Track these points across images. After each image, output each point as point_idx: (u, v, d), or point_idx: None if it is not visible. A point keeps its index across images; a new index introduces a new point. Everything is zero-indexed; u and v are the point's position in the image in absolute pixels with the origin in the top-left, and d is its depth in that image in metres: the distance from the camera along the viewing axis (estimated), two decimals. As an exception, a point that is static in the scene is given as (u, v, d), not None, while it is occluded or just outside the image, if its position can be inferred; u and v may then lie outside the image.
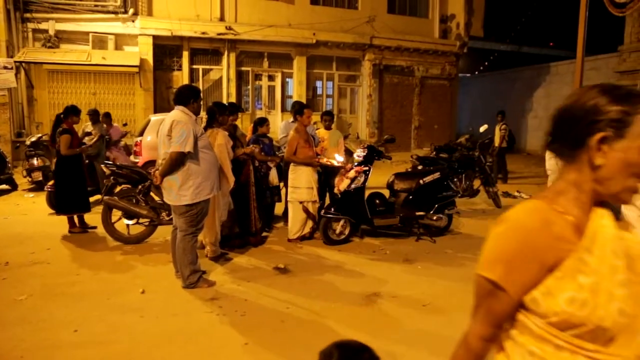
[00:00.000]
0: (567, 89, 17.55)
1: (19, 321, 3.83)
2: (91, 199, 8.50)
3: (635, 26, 13.64)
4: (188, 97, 4.51)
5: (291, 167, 6.25)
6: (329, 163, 6.46)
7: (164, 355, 3.35)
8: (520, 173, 13.81)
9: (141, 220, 6.08)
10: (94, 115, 8.90)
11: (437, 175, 6.70)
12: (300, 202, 6.18)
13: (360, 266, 5.36)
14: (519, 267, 1.11)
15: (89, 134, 8.81)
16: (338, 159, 6.53)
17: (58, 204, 6.59)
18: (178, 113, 4.44)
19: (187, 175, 4.38)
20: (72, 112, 6.62)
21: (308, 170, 6.17)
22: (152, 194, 6.17)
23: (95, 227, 6.71)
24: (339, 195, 6.25)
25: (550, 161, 5.30)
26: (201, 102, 4.70)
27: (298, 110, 6.36)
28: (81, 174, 6.66)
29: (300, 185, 6.15)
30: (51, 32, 13.37)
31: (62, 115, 6.61)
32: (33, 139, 10.13)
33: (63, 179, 6.49)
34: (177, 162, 4.34)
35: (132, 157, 10.07)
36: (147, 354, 3.37)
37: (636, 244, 1.13)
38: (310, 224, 6.28)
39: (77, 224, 6.67)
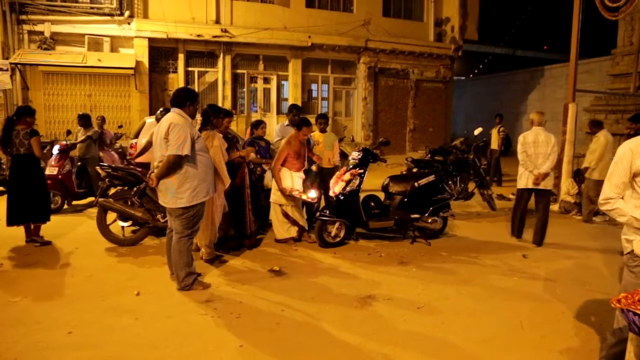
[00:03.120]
0: (561, 91, 17.67)
1: (13, 323, 3.82)
2: (84, 202, 8.53)
3: (628, 30, 13.72)
4: (185, 99, 4.51)
5: None
6: (300, 196, 6.22)
7: (159, 358, 3.35)
8: (515, 176, 13.84)
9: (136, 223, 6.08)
10: (83, 119, 8.78)
11: (432, 178, 6.73)
12: (280, 205, 6.20)
13: (355, 268, 5.38)
14: None
15: (69, 132, 8.76)
16: (311, 195, 6.33)
17: (12, 213, 5.90)
18: (175, 115, 4.43)
19: (184, 178, 4.38)
20: (25, 112, 6.01)
21: (290, 174, 6.18)
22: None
23: (49, 243, 6.12)
24: (334, 198, 6.27)
25: (522, 154, 6.27)
26: (197, 106, 4.69)
27: (298, 124, 6.30)
28: (43, 178, 6.19)
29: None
30: (47, 34, 13.34)
31: (14, 117, 5.99)
32: None
33: (22, 184, 5.91)
34: (175, 165, 4.34)
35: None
36: (142, 356, 3.37)
37: None
38: (295, 226, 6.28)
39: (32, 234, 6.08)
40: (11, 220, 5.94)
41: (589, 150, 8.14)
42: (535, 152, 6.37)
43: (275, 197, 6.22)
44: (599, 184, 7.37)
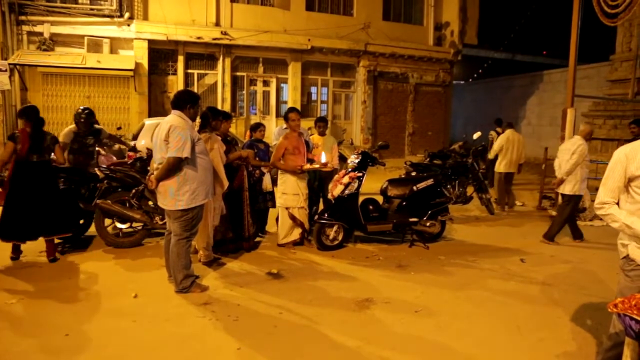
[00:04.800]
0: (560, 97, 17.72)
1: (9, 325, 3.81)
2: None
3: (626, 36, 13.78)
4: (185, 102, 4.51)
5: (279, 172, 6.28)
6: (312, 168, 6.30)
7: (156, 360, 3.35)
8: (514, 180, 13.90)
9: (134, 225, 6.07)
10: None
11: (430, 181, 6.74)
12: (287, 208, 6.21)
13: (353, 272, 5.38)
14: None
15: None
16: (322, 161, 6.43)
17: (19, 227, 5.21)
18: (175, 118, 4.43)
19: (184, 180, 4.38)
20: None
21: (295, 176, 6.18)
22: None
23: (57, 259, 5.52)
24: (333, 201, 6.27)
25: (555, 161, 6.80)
26: (198, 109, 4.69)
27: (285, 116, 6.38)
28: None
29: (287, 191, 6.17)
30: (46, 35, 13.33)
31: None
32: None
33: (44, 193, 5.35)
34: (175, 167, 4.34)
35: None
36: (140, 358, 3.37)
37: None
38: (299, 229, 6.28)
39: (50, 252, 5.48)
40: (18, 235, 5.29)
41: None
42: (561, 159, 6.90)
43: (281, 200, 6.22)
44: (500, 175, 9.32)
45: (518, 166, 9.59)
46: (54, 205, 5.41)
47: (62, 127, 13.07)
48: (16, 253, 5.52)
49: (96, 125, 6.91)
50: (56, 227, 5.44)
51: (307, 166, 6.22)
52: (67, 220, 5.61)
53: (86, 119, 6.61)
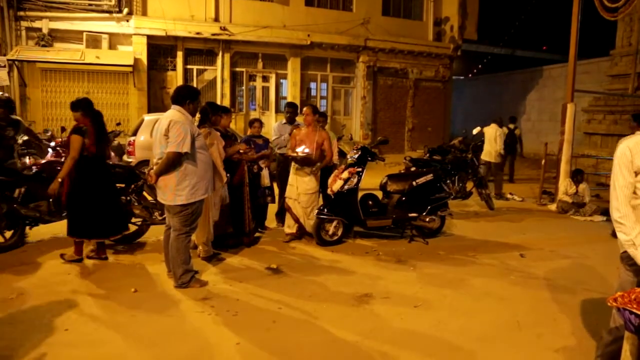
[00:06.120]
0: (560, 92, 17.67)
1: (9, 320, 3.81)
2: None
3: (626, 30, 13.74)
4: (184, 97, 4.51)
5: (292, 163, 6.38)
6: (291, 155, 6.20)
7: (156, 355, 3.34)
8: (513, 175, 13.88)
9: (134, 220, 6.06)
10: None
11: (430, 177, 6.73)
12: (284, 198, 6.37)
13: (352, 267, 5.37)
14: None
15: (63, 129, 8.52)
16: (298, 150, 6.27)
17: (99, 225, 5.14)
18: (175, 113, 4.43)
19: (184, 175, 4.38)
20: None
21: (294, 167, 6.28)
22: (144, 193, 6.17)
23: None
24: (332, 196, 6.26)
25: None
26: (198, 105, 4.68)
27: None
28: None
29: (290, 182, 6.31)
30: (45, 31, 13.29)
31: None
32: (25, 138, 10.03)
33: (110, 190, 5.34)
34: (174, 162, 4.33)
35: (125, 157, 10.05)
36: (139, 353, 3.36)
37: None
38: (296, 224, 6.29)
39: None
40: (101, 233, 5.22)
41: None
42: None
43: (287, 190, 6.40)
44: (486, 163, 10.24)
45: (500, 158, 10.35)
46: (114, 202, 5.35)
47: (61, 122, 13.07)
48: (80, 253, 5.28)
49: (13, 116, 6.16)
50: (118, 225, 5.38)
51: (290, 153, 6.27)
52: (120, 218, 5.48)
53: (4, 108, 5.87)
